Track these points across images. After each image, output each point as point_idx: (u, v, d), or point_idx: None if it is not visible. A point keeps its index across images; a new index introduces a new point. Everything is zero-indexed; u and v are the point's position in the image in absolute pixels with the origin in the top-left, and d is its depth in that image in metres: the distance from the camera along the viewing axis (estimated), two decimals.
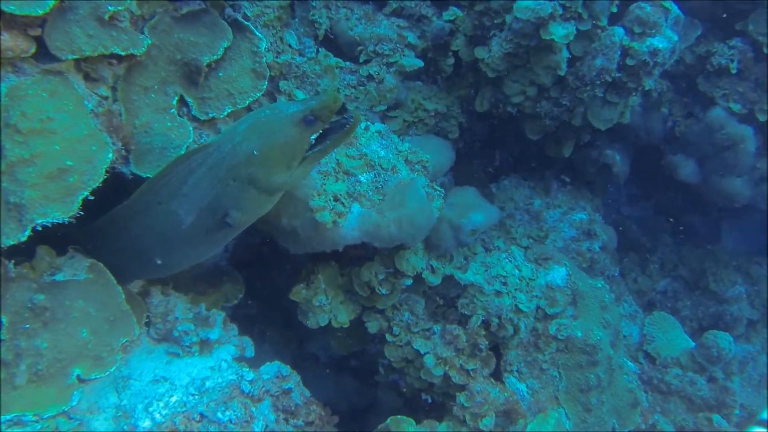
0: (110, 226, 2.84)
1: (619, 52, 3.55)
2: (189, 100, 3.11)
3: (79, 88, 2.63)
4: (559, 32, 3.36)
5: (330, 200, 3.01)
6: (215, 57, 3.10)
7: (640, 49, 3.54)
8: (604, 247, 4.51)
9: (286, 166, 2.63)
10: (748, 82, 4.37)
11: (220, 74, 3.18)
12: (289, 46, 3.57)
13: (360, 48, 3.92)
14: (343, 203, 3.03)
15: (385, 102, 3.89)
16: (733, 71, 4.31)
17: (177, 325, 3.15)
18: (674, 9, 3.64)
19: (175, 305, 3.20)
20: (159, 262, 2.83)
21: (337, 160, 3.10)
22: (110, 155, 2.57)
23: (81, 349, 2.55)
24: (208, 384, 3.02)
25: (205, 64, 3.07)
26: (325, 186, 3.03)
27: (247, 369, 3.20)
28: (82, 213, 2.45)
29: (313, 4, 3.75)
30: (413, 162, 3.34)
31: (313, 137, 2.65)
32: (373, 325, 3.56)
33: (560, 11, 3.36)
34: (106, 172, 2.56)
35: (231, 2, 3.27)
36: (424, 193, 3.25)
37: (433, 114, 4.10)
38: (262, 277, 4.00)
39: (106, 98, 2.81)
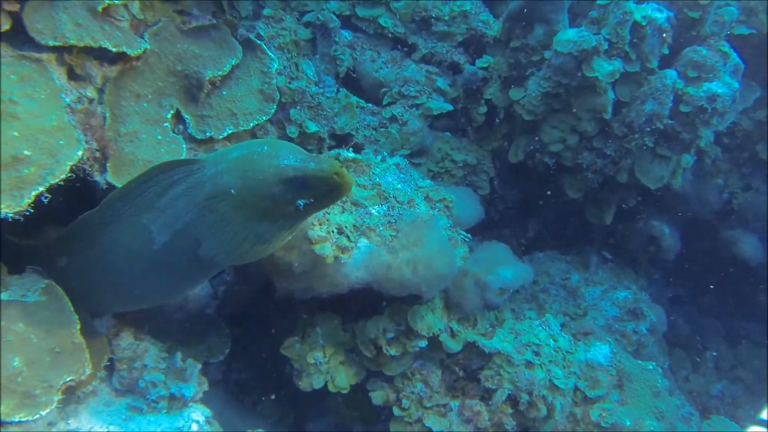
0: (77, 237, 2.41)
1: (671, 97, 3.14)
2: (186, 116, 2.78)
3: (58, 81, 2.33)
4: (605, 68, 2.99)
5: (333, 232, 2.56)
6: (220, 73, 2.80)
7: (696, 94, 3.12)
8: (653, 329, 3.90)
9: (269, 219, 2.20)
10: None
11: (224, 93, 2.87)
12: (306, 75, 3.27)
13: (384, 90, 3.62)
14: (348, 237, 2.57)
15: (408, 146, 3.52)
16: None
17: (144, 374, 2.66)
18: (734, 56, 3.25)
19: (145, 351, 2.73)
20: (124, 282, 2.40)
21: None
22: (79, 152, 2.21)
23: (8, 381, 2.04)
24: None
25: (207, 78, 2.77)
26: (328, 216, 2.59)
27: None
28: (31, 211, 2.06)
29: (336, 39, 3.49)
30: (434, 200, 2.89)
31: (301, 202, 2.14)
32: (378, 396, 2.98)
33: (605, 46, 3.01)
34: (72, 172, 2.19)
35: (245, 22, 3.04)
36: (446, 235, 2.79)
37: (461, 165, 3.72)
38: (258, 335, 3.50)
39: (91, 100, 2.50)
